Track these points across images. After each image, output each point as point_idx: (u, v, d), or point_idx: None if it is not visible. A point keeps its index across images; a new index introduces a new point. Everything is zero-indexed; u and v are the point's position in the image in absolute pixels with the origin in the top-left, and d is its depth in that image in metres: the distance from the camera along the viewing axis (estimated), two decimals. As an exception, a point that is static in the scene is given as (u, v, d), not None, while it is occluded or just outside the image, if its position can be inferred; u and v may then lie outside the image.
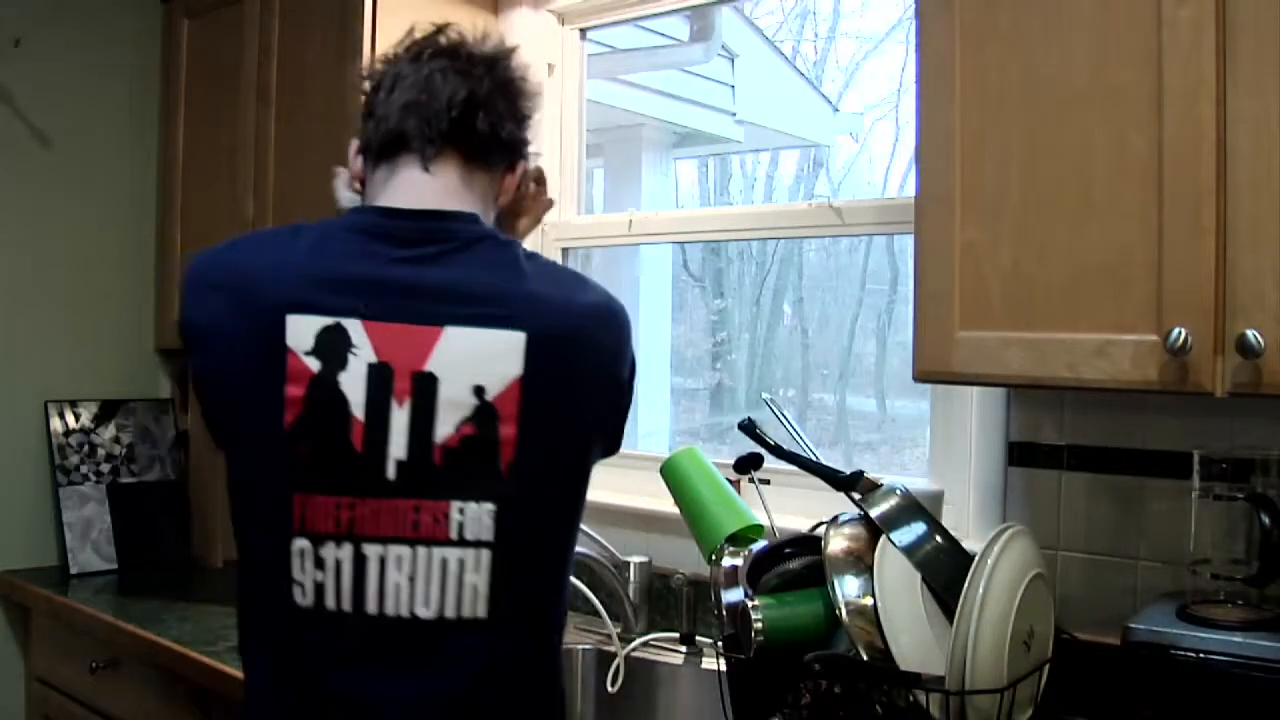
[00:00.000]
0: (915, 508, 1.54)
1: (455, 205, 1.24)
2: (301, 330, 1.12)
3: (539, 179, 1.54)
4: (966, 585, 1.37)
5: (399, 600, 1.13)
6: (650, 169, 3.49)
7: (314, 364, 1.12)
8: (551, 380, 1.15)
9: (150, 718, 2.12)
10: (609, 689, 2.01)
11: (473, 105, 1.25)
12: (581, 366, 1.19)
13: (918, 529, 1.50)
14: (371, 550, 1.12)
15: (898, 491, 1.55)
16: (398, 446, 1.12)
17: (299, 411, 1.12)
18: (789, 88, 4.01)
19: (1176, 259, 1.28)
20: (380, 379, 1.11)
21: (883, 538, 1.47)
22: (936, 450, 1.90)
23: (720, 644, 1.56)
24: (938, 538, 1.51)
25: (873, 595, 1.42)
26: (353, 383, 1.12)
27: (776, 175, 4.52)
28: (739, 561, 1.66)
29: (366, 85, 1.33)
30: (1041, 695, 1.45)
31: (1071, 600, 1.66)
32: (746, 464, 1.85)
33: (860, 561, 1.47)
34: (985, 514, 1.78)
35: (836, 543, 1.50)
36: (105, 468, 2.69)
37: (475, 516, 1.12)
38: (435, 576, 1.12)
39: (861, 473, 1.60)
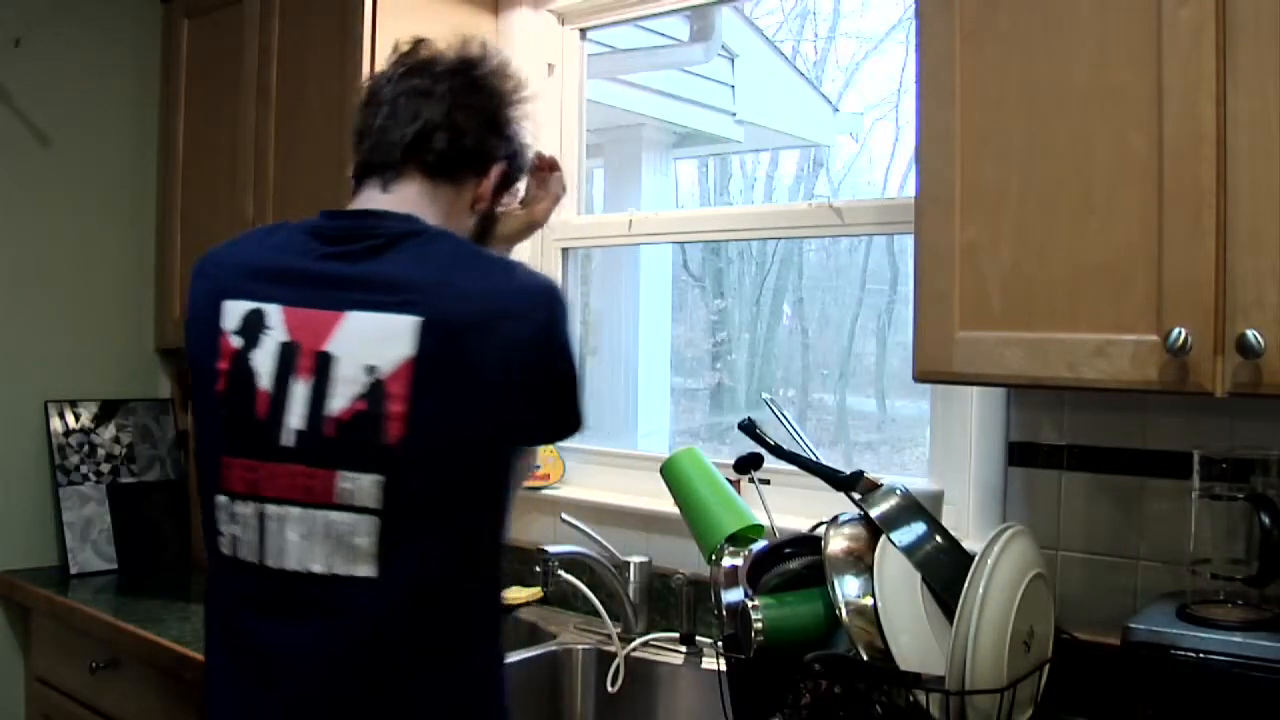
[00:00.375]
0: (915, 508, 1.54)
1: (406, 211, 1.34)
2: (232, 313, 1.28)
3: (544, 166, 1.62)
4: (966, 585, 1.37)
5: (295, 556, 1.23)
6: (650, 169, 3.49)
7: (237, 342, 1.27)
8: (447, 362, 1.21)
9: (150, 718, 2.12)
10: (609, 689, 2.01)
11: (429, 128, 1.35)
12: (486, 350, 1.22)
13: (918, 529, 1.50)
14: (272, 509, 1.24)
15: (898, 491, 1.55)
16: (297, 417, 1.23)
17: (224, 383, 1.28)
18: (789, 88, 4.01)
19: (1176, 259, 1.28)
20: (287, 356, 1.24)
21: (883, 538, 1.47)
22: (936, 450, 1.90)
23: (720, 644, 1.56)
24: (938, 538, 1.51)
25: (873, 595, 1.42)
26: (263, 358, 1.25)
27: (776, 175, 4.52)
28: (739, 561, 1.66)
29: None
30: (1041, 695, 1.45)
31: (1071, 600, 1.66)
32: (746, 464, 1.85)
33: (860, 561, 1.47)
34: (985, 514, 1.78)
35: (836, 543, 1.50)
36: (105, 468, 2.69)
37: (362, 485, 1.21)
38: (327, 537, 1.22)
39: (861, 473, 1.60)
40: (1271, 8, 1.22)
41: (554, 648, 2.12)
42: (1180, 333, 1.26)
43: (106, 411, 2.73)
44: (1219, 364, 1.26)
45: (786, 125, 4.07)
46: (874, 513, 1.51)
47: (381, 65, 1.47)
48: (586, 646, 2.11)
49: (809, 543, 1.59)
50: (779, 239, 3.03)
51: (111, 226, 2.77)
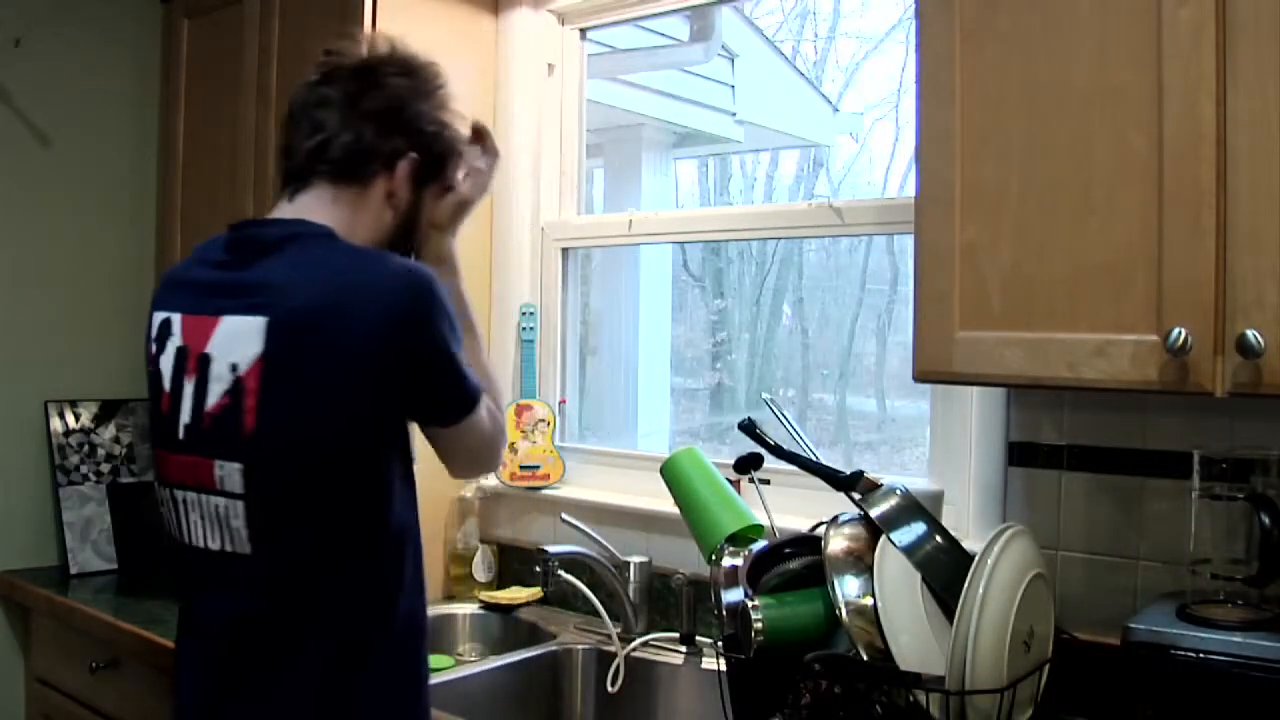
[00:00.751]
0: (915, 508, 1.54)
1: (305, 218, 1.40)
2: (155, 323, 1.42)
3: (474, 139, 1.59)
4: (966, 585, 1.37)
5: (198, 535, 1.37)
6: (650, 169, 3.49)
7: (154, 348, 1.41)
8: (291, 357, 1.29)
9: (150, 718, 2.12)
10: (609, 689, 2.01)
11: (328, 136, 1.41)
12: (330, 343, 1.28)
13: (918, 529, 1.50)
14: (179, 494, 1.38)
15: (898, 491, 1.55)
16: (186, 413, 1.35)
17: (149, 384, 1.43)
18: (789, 88, 4.01)
19: (1176, 259, 1.28)
20: (181, 359, 1.37)
21: (883, 538, 1.47)
22: (936, 450, 1.90)
23: (720, 644, 1.56)
24: (938, 538, 1.51)
25: (873, 595, 1.42)
26: (167, 362, 1.39)
27: (776, 175, 4.51)
28: (739, 561, 1.66)
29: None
30: (1041, 695, 1.45)
31: (1071, 600, 1.66)
32: (746, 464, 1.85)
33: (860, 561, 1.47)
34: (985, 514, 1.78)
35: (836, 543, 1.50)
36: (105, 468, 2.69)
37: (230, 472, 1.32)
38: (215, 519, 1.34)
39: (861, 473, 1.60)
40: (1271, 8, 1.22)
41: (554, 648, 2.12)
42: (1180, 333, 1.26)
43: (106, 411, 2.73)
44: (1219, 364, 1.26)
45: (786, 125, 4.06)
46: (874, 513, 1.50)
47: None
48: (586, 646, 2.11)
49: (809, 543, 1.59)
50: (779, 239, 3.03)
51: (111, 226, 2.77)
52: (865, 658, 1.40)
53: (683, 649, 2.03)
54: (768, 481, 1.85)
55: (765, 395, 1.94)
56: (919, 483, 1.88)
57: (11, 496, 2.59)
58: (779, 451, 1.71)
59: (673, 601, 2.10)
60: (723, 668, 1.57)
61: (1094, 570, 1.67)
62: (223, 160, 2.53)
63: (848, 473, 1.61)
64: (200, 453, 1.34)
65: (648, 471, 2.13)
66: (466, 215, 1.59)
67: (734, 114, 3.69)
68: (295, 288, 1.31)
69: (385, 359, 1.29)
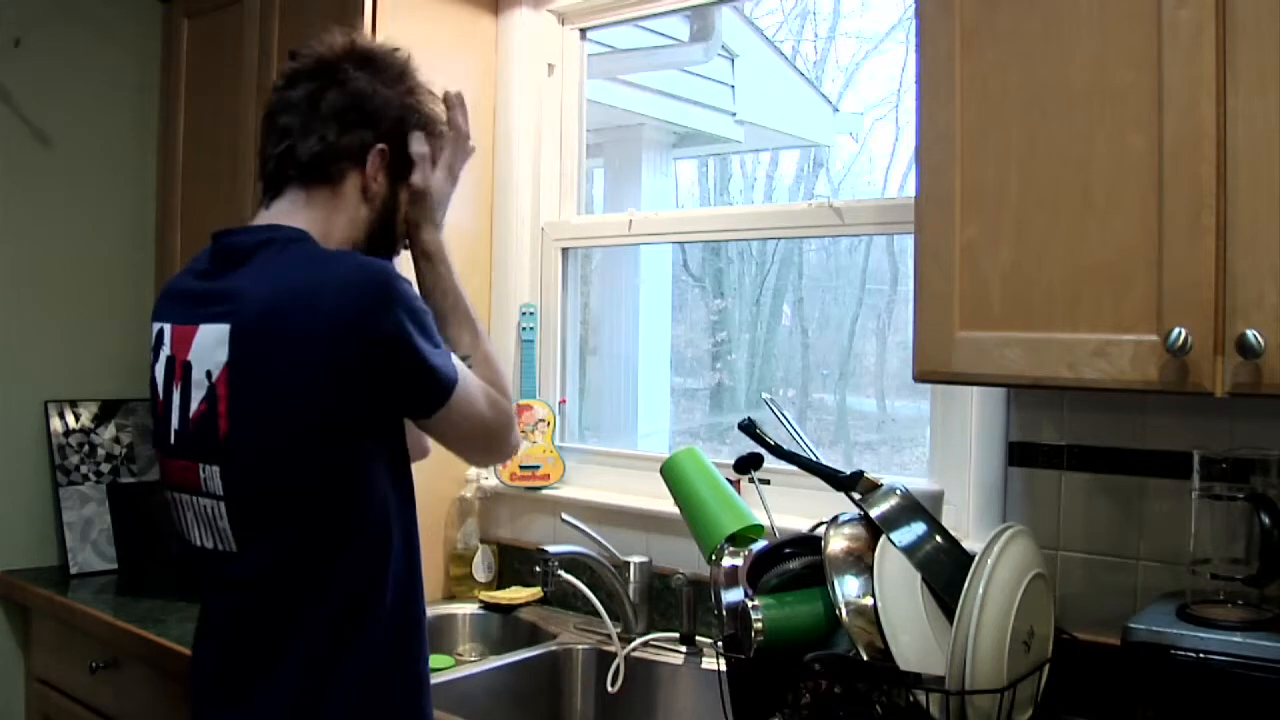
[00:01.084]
0: (915, 508, 1.54)
1: (282, 224, 1.41)
2: (152, 333, 1.45)
3: (450, 121, 1.54)
4: (966, 585, 1.37)
5: (195, 535, 1.40)
6: (650, 169, 3.49)
7: (151, 358, 1.45)
8: (253, 362, 1.31)
9: (150, 718, 2.12)
10: (609, 689, 2.01)
11: (294, 140, 1.42)
12: (293, 342, 1.29)
13: (918, 529, 1.50)
14: (178, 496, 1.42)
15: (898, 491, 1.55)
16: (176, 419, 1.39)
17: (149, 392, 1.46)
18: (789, 88, 4.00)
19: (1176, 259, 1.28)
20: (169, 368, 1.40)
21: (883, 538, 1.47)
22: (936, 450, 1.90)
23: (720, 644, 1.56)
24: (938, 538, 1.51)
25: (873, 595, 1.42)
26: (159, 371, 1.43)
27: (776, 175, 4.51)
28: (739, 561, 1.66)
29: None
30: (1041, 695, 1.45)
31: (1071, 600, 1.66)
32: (746, 464, 1.85)
33: (860, 561, 1.47)
34: (985, 514, 1.78)
35: (836, 543, 1.50)
36: (105, 468, 2.69)
37: (212, 475, 1.35)
38: (206, 519, 1.37)
39: (861, 473, 1.60)
40: (1271, 8, 1.22)
41: (554, 648, 2.12)
42: (1180, 333, 1.26)
43: (106, 411, 2.73)
44: (1219, 364, 1.26)
45: (786, 125, 4.06)
46: (874, 513, 1.51)
47: None
48: (586, 646, 2.11)
49: (809, 543, 1.59)
50: (779, 239, 3.03)
51: (111, 226, 2.77)
52: (865, 658, 1.40)
53: (683, 649, 2.03)
54: (768, 481, 1.85)
55: (765, 395, 1.94)
56: (919, 483, 1.88)
57: (11, 496, 2.59)
58: (779, 451, 1.71)
59: (673, 601, 2.10)
60: (723, 668, 1.57)
61: (1094, 570, 1.67)
62: (223, 160, 2.53)
63: (848, 473, 1.61)
64: (188, 457, 1.37)
65: (648, 471, 2.13)
66: (435, 205, 1.52)
67: (734, 114, 3.69)
68: (256, 293, 1.32)
69: (345, 355, 1.29)
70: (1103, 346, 1.34)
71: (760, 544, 1.71)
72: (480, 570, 2.39)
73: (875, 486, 1.57)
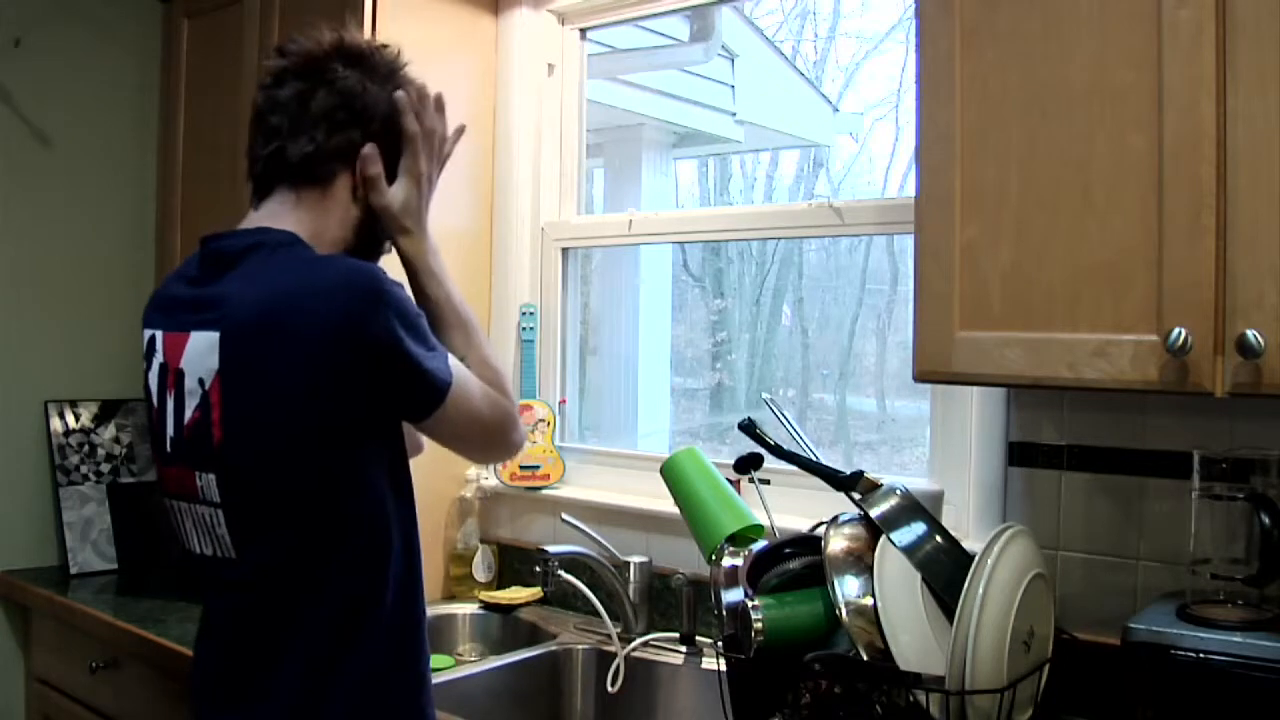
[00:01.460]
0: (915, 508, 1.54)
1: (270, 225, 1.39)
2: (144, 341, 1.45)
3: (418, 122, 1.48)
4: (966, 585, 1.37)
5: (194, 542, 1.39)
6: (650, 169, 3.49)
7: (144, 365, 1.44)
8: (245, 368, 1.30)
9: (150, 718, 2.12)
10: (609, 689, 2.01)
11: (280, 149, 1.40)
12: (281, 348, 1.28)
13: (918, 529, 1.50)
14: (175, 504, 1.41)
15: (898, 491, 1.55)
16: (171, 427, 1.38)
17: (145, 400, 1.45)
18: (789, 88, 4.00)
19: (1176, 259, 1.28)
20: (163, 375, 1.39)
21: (883, 538, 1.47)
22: (936, 450, 1.90)
23: (720, 644, 1.56)
24: (938, 538, 1.51)
25: (873, 595, 1.42)
26: (153, 378, 1.41)
27: (776, 175, 4.51)
28: (739, 561, 1.66)
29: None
30: (1041, 695, 1.45)
31: (1071, 600, 1.66)
32: (746, 464, 1.85)
33: (860, 561, 1.47)
34: (985, 514, 1.78)
35: (836, 543, 1.50)
36: (105, 468, 2.69)
37: (209, 482, 1.34)
38: (204, 526, 1.37)
39: (861, 473, 1.60)
40: (1271, 8, 1.22)
41: (554, 648, 2.12)
42: (1180, 333, 1.26)
43: (106, 411, 2.73)
44: (1219, 364, 1.26)
45: (786, 125, 4.06)
46: (874, 513, 1.51)
47: None
48: (586, 646, 2.11)
49: (809, 543, 1.59)
50: (779, 239, 3.03)
51: (111, 226, 2.77)
52: (865, 658, 1.40)
53: (683, 649, 2.03)
54: (768, 481, 1.85)
55: (765, 395, 1.94)
56: (919, 483, 1.88)
57: (11, 496, 2.59)
58: (779, 451, 1.71)
59: (673, 601, 2.10)
60: (723, 668, 1.57)
61: (1094, 570, 1.67)
62: (223, 160, 2.53)
63: (848, 473, 1.62)
64: (185, 464, 1.36)
65: (648, 471, 2.13)
66: (402, 215, 1.45)
67: (734, 114, 3.69)
68: (244, 299, 1.31)
69: (336, 360, 1.27)
70: (1103, 346, 1.34)
71: (760, 544, 1.71)
72: (480, 570, 2.39)
73: (875, 486, 1.57)
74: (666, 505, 1.93)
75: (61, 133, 2.66)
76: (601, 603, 2.10)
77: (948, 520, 1.82)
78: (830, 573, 1.46)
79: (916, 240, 1.51)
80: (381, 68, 1.45)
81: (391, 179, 1.46)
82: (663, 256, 3.19)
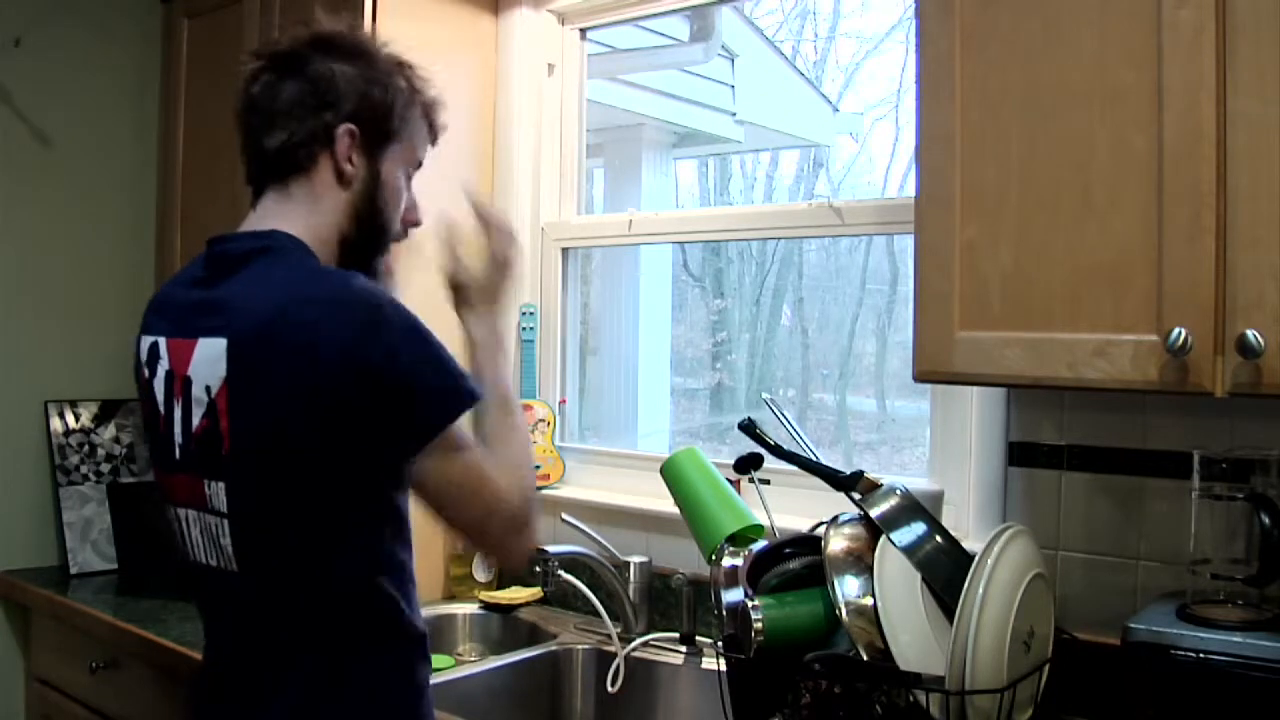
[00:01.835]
0: (915, 508, 1.54)
1: (266, 226, 1.38)
2: (144, 347, 1.42)
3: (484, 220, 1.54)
4: (966, 585, 1.37)
5: (199, 552, 1.37)
6: (650, 169, 3.49)
7: (147, 372, 1.41)
8: (250, 377, 1.27)
9: (150, 718, 2.12)
10: (609, 689, 2.01)
11: (260, 146, 1.39)
12: (283, 361, 1.25)
13: (918, 529, 1.50)
14: (182, 513, 1.38)
15: (898, 491, 1.55)
16: (179, 434, 1.35)
17: (145, 408, 1.42)
18: (789, 88, 4.01)
19: (1176, 259, 1.28)
20: (170, 382, 1.36)
21: (883, 538, 1.47)
22: (936, 450, 1.90)
23: (720, 644, 1.56)
24: (938, 538, 1.51)
25: (873, 595, 1.42)
26: (159, 386, 1.38)
27: (776, 175, 4.52)
28: (739, 561, 1.66)
29: None
30: (1041, 695, 1.45)
31: (1071, 600, 1.66)
32: (746, 464, 1.85)
33: (860, 561, 1.47)
34: (985, 514, 1.78)
35: (836, 543, 1.50)
36: (105, 468, 2.69)
37: (217, 491, 1.31)
38: (210, 536, 1.34)
39: (861, 473, 1.60)
40: (1271, 8, 1.22)
41: (554, 648, 2.12)
42: (1180, 333, 1.26)
43: (106, 411, 2.73)
44: (1219, 364, 1.26)
45: (786, 125, 4.07)
46: (874, 513, 1.50)
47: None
48: (586, 646, 2.11)
49: (809, 543, 1.59)
50: (779, 239, 3.03)
51: (111, 226, 2.77)
52: (865, 658, 1.40)
53: (683, 649, 2.03)
54: (768, 481, 1.85)
55: (765, 395, 1.94)
56: (919, 483, 1.88)
57: (11, 496, 2.59)
58: (779, 451, 1.71)
59: (673, 601, 2.10)
60: (723, 668, 1.57)
61: (1094, 570, 1.67)
62: (223, 160, 2.52)
63: (848, 473, 1.61)
64: (193, 472, 1.33)
65: (648, 471, 2.13)
66: (477, 297, 1.50)
67: (734, 114, 3.69)
68: (249, 307, 1.28)
69: (334, 377, 1.23)
70: (1103, 346, 1.34)
71: (760, 544, 1.71)
72: (480, 570, 2.39)
73: (875, 486, 1.57)
74: (666, 505, 1.93)
75: (61, 133, 2.67)
76: (601, 603, 2.10)
77: (948, 520, 1.82)
78: (830, 573, 1.46)
79: (916, 240, 1.51)
80: (351, 49, 1.42)
81: (373, 160, 1.42)
82: (663, 256, 3.19)
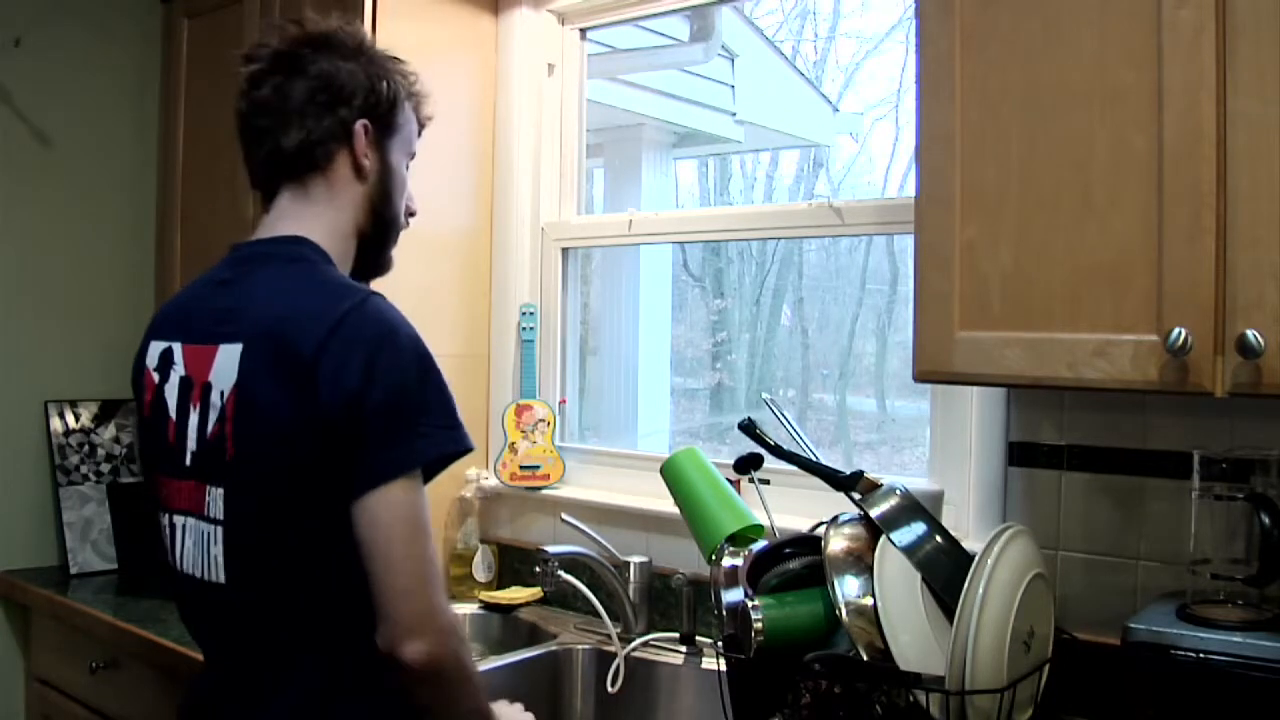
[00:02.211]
0: (915, 508, 1.54)
1: (286, 229, 1.39)
2: (154, 353, 1.41)
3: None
4: (966, 585, 1.37)
5: (189, 562, 1.36)
6: (650, 169, 3.49)
7: (156, 377, 1.40)
8: (253, 385, 1.28)
9: (150, 718, 2.12)
10: (609, 689, 2.01)
11: (275, 148, 1.39)
12: (283, 372, 1.25)
13: (918, 529, 1.50)
14: (176, 520, 1.37)
15: (898, 491, 1.55)
16: (193, 440, 1.34)
17: (149, 412, 1.41)
18: (789, 88, 4.00)
19: (1176, 259, 1.28)
20: (185, 388, 1.36)
21: (883, 538, 1.47)
22: (936, 450, 1.90)
23: (720, 644, 1.56)
24: (938, 538, 1.51)
25: (873, 595, 1.42)
26: (171, 391, 1.37)
27: (776, 175, 4.51)
28: (739, 561, 1.66)
29: None
30: (1041, 695, 1.45)
31: (1071, 600, 1.66)
32: (746, 464, 1.85)
33: (860, 561, 1.47)
34: (985, 514, 1.78)
35: (836, 543, 1.50)
36: (105, 468, 2.69)
37: (216, 497, 1.31)
38: (200, 544, 1.34)
39: (861, 473, 1.60)
40: (1271, 8, 1.22)
41: (554, 648, 2.12)
42: (1180, 333, 1.26)
43: (106, 411, 2.73)
44: (1219, 364, 1.26)
45: (786, 125, 4.06)
46: (874, 513, 1.50)
47: None
48: (586, 646, 2.11)
49: (809, 543, 1.59)
50: (779, 239, 3.03)
51: (111, 226, 2.77)
52: (865, 658, 1.40)
53: (683, 649, 2.03)
54: (768, 481, 1.85)
55: (765, 395, 1.94)
56: (919, 483, 1.88)
57: (11, 496, 2.59)
58: (779, 451, 1.71)
59: (673, 601, 2.10)
60: (723, 668, 1.57)
61: (1094, 570, 1.67)
62: (223, 160, 2.53)
63: (848, 473, 1.61)
64: (200, 478, 1.33)
65: (648, 471, 2.13)
66: None
67: (734, 114, 3.69)
68: (261, 314, 1.29)
69: (326, 393, 1.22)
70: (1103, 346, 1.34)
71: (760, 544, 1.71)
72: (480, 570, 2.39)
73: (875, 486, 1.57)
74: (666, 505, 1.93)
75: (61, 133, 2.67)
76: (601, 603, 2.10)
77: (948, 520, 1.82)
78: (830, 573, 1.46)
79: (916, 240, 1.51)
80: (348, 45, 1.43)
81: (383, 153, 1.44)
82: (663, 256, 3.19)
